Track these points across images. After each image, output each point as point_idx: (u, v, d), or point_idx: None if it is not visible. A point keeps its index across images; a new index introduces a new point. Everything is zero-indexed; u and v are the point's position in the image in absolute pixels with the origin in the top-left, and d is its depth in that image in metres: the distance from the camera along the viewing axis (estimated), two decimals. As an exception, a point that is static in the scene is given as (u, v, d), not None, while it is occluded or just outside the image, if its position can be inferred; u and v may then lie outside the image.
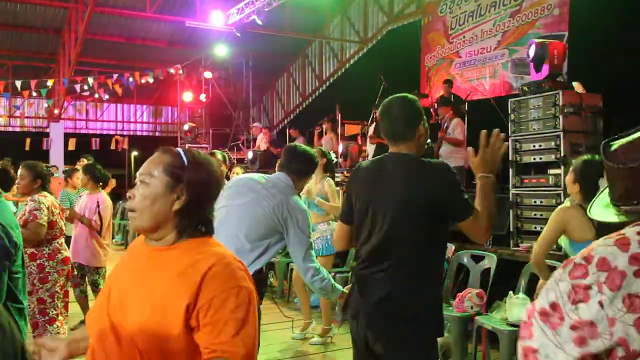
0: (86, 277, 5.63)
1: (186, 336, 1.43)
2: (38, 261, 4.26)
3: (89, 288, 5.74)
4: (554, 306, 1.11)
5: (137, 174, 1.59)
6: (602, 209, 1.28)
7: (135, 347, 1.43)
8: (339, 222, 2.63)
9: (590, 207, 1.33)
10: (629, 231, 1.13)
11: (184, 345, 1.43)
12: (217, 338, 1.39)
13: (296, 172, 3.17)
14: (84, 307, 5.73)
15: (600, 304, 1.06)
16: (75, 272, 5.52)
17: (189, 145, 13.43)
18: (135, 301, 1.49)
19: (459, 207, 2.28)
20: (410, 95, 2.46)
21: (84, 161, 8.60)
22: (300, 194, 5.43)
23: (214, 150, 6.63)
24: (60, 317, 4.33)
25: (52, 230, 4.29)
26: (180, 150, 1.60)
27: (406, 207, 2.26)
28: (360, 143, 10.57)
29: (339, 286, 3.11)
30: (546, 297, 1.13)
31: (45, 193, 4.32)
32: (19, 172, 4.32)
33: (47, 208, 4.21)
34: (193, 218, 1.56)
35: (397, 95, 2.45)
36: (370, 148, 9.20)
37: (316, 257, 5.06)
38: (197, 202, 1.55)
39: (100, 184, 5.72)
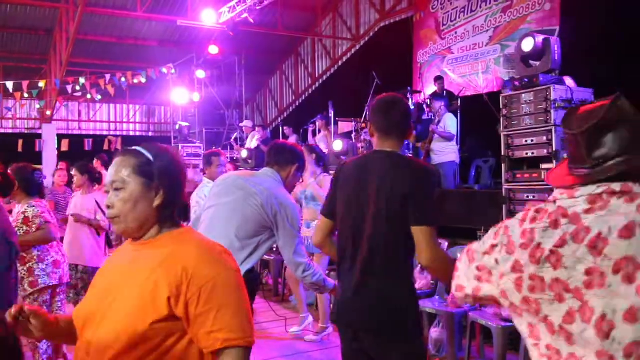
0: (84, 279, 5.56)
1: (165, 326, 1.44)
2: (28, 265, 4.07)
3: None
4: (475, 250, 1.44)
5: (109, 181, 1.59)
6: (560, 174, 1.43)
7: (111, 341, 1.45)
8: (320, 215, 2.64)
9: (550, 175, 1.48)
10: (547, 205, 1.36)
11: (160, 338, 1.44)
12: (215, 326, 1.42)
13: (277, 163, 3.21)
14: None
15: (497, 260, 1.37)
16: (69, 277, 5.49)
17: (182, 145, 13.39)
18: (119, 295, 1.51)
19: (418, 209, 2.25)
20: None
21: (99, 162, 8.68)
22: (295, 188, 5.50)
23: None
24: None
25: None
26: (139, 148, 1.62)
27: (385, 200, 2.30)
28: (354, 140, 10.57)
29: (330, 280, 3.13)
30: (477, 243, 1.45)
31: (40, 199, 4.23)
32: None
33: (48, 212, 4.17)
34: (172, 208, 1.61)
35: (390, 94, 2.53)
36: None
37: (313, 254, 5.12)
38: (172, 192, 1.60)
39: (95, 184, 5.69)
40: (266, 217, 2.98)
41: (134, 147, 1.63)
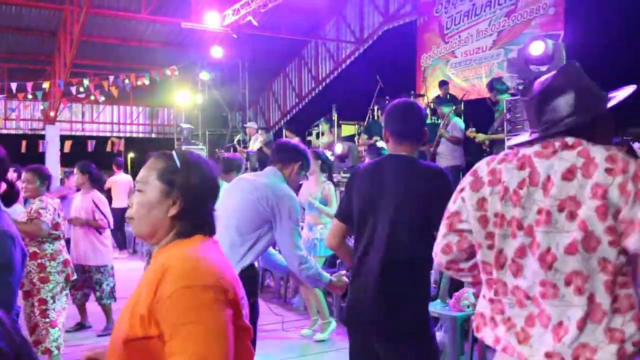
0: (91, 279, 5.58)
1: (140, 345, 1.37)
2: (39, 260, 4.28)
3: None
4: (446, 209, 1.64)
5: (136, 181, 1.59)
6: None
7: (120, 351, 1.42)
8: (334, 219, 2.63)
9: (512, 140, 1.67)
10: (500, 154, 1.52)
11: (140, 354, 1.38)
12: (170, 348, 1.30)
13: (280, 160, 3.25)
14: (82, 311, 5.72)
15: (463, 199, 1.53)
16: (76, 276, 5.51)
17: (186, 147, 13.36)
18: (128, 301, 1.50)
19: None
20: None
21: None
22: (299, 195, 5.51)
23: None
24: (61, 319, 4.29)
25: (57, 231, 4.36)
26: (172, 153, 1.56)
27: (407, 206, 2.31)
28: (357, 143, 10.57)
29: (326, 274, 3.12)
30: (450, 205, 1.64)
31: (51, 196, 4.43)
32: (22, 176, 4.46)
33: (54, 209, 4.31)
34: (191, 221, 1.53)
35: (407, 99, 2.58)
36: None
37: (314, 256, 5.12)
38: (193, 205, 1.52)
39: (95, 185, 5.71)
40: (262, 210, 3.01)
41: (167, 151, 1.59)
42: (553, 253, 1.33)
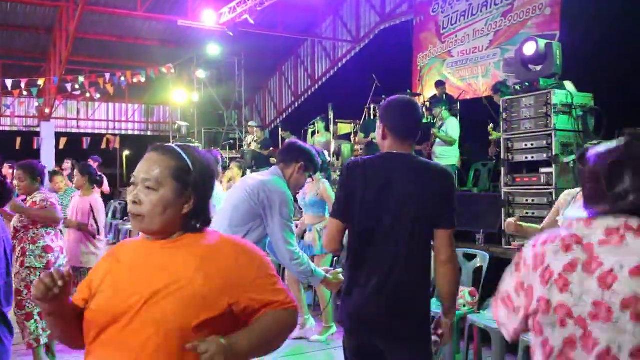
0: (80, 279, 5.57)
1: (217, 321, 1.49)
2: (22, 245, 4.19)
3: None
4: (505, 291, 1.44)
5: (139, 176, 1.54)
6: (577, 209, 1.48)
7: (155, 334, 1.43)
8: (331, 218, 2.49)
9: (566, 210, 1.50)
10: (562, 230, 1.38)
11: (208, 331, 1.46)
12: (277, 298, 1.57)
13: (283, 160, 3.30)
14: None
15: (521, 284, 1.38)
16: (64, 264, 5.51)
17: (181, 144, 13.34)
18: (157, 292, 1.47)
19: (445, 215, 2.35)
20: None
21: (68, 164, 8.55)
22: (299, 194, 5.50)
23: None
24: (36, 314, 4.08)
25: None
26: (180, 151, 1.57)
27: (413, 205, 2.31)
28: (353, 142, 10.57)
29: (320, 271, 3.11)
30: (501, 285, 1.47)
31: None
32: (14, 173, 4.43)
33: (56, 199, 4.40)
34: (199, 217, 1.59)
35: (405, 96, 2.58)
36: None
37: (312, 256, 5.11)
38: (203, 202, 1.60)
39: (94, 185, 5.69)
40: (254, 205, 3.07)
41: (172, 147, 1.59)
42: (614, 355, 1.20)
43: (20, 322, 4.07)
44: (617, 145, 1.34)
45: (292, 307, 1.62)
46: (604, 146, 1.37)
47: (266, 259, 1.63)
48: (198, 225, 1.61)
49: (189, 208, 1.56)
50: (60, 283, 1.42)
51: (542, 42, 5.17)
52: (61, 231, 4.57)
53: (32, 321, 4.01)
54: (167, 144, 1.60)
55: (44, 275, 1.43)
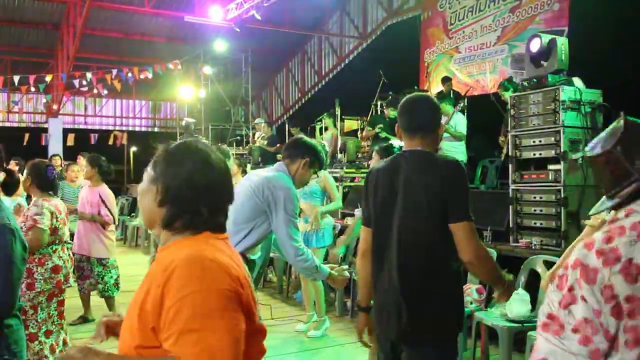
0: (92, 270, 5.57)
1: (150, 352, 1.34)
2: (27, 265, 3.70)
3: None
4: (551, 317, 1.19)
5: None
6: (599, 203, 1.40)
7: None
8: (363, 227, 2.52)
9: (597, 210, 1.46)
10: (596, 234, 1.24)
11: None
12: (175, 354, 1.25)
13: (288, 156, 3.30)
14: (86, 303, 5.72)
15: (583, 298, 1.15)
16: (85, 266, 5.53)
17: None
18: (131, 307, 1.46)
19: (456, 206, 2.22)
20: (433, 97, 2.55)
21: (81, 158, 8.60)
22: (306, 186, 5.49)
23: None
24: (44, 330, 3.82)
25: (52, 237, 3.95)
26: (169, 145, 1.53)
27: (419, 201, 2.27)
28: (360, 138, 10.56)
29: (325, 268, 3.11)
30: (543, 312, 1.22)
31: (51, 197, 4.05)
32: (24, 171, 4.14)
33: (51, 213, 3.92)
34: (176, 212, 1.44)
35: (421, 93, 2.54)
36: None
37: (310, 248, 5.10)
38: (175, 195, 1.43)
39: (102, 177, 5.70)
40: (258, 201, 3.08)
41: (171, 143, 1.57)
42: None
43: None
44: (614, 126, 1.35)
45: None
46: (604, 132, 1.37)
47: (199, 294, 1.28)
48: (196, 226, 1.46)
49: (159, 197, 1.44)
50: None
51: (546, 38, 5.14)
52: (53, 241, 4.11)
53: (37, 342, 3.79)
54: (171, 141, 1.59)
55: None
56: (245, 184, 3.24)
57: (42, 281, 3.85)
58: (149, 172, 1.50)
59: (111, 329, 1.60)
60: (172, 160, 1.46)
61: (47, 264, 3.91)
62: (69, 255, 4.21)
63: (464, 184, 2.29)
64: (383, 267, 2.37)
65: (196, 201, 1.44)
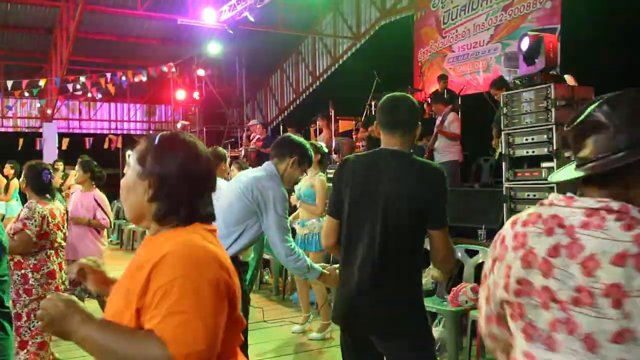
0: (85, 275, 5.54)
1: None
2: (23, 271, 3.81)
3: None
4: (483, 274, 1.43)
5: None
6: (565, 172, 1.39)
7: None
8: (327, 216, 2.56)
9: (554, 174, 1.46)
10: (522, 214, 1.36)
11: None
12: (158, 332, 1.26)
13: (277, 155, 3.28)
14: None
15: (493, 272, 1.36)
16: (67, 286, 5.47)
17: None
18: (114, 292, 1.50)
19: (438, 214, 2.33)
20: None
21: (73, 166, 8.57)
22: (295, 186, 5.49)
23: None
24: (38, 340, 3.75)
25: (42, 241, 3.86)
26: (155, 135, 1.50)
27: (400, 203, 2.29)
28: (354, 138, 10.57)
29: (317, 267, 3.10)
30: (485, 265, 1.43)
31: (48, 200, 3.98)
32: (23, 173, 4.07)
33: (43, 218, 3.82)
34: (170, 206, 1.43)
35: (395, 93, 2.54)
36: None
37: (308, 252, 5.10)
38: (169, 189, 1.43)
39: (94, 182, 5.66)
40: (248, 202, 3.07)
41: (151, 133, 1.55)
42: (595, 339, 1.20)
43: (14, 348, 3.72)
44: (588, 105, 1.32)
45: (170, 349, 1.24)
46: (582, 107, 1.35)
47: (185, 280, 1.30)
48: (187, 218, 1.46)
49: (151, 192, 1.43)
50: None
51: (535, 36, 5.16)
52: (44, 246, 4.03)
53: (25, 351, 3.72)
54: (152, 133, 1.56)
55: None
56: (234, 185, 3.23)
57: (38, 287, 3.80)
58: (134, 167, 1.47)
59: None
60: (163, 154, 1.44)
61: (43, 269, 3.86)
62: (63, 259, 4.15)
63: (445, 191, 2.37)
64: (352, 261, 2.38)
65: (189, 193, 1.45)
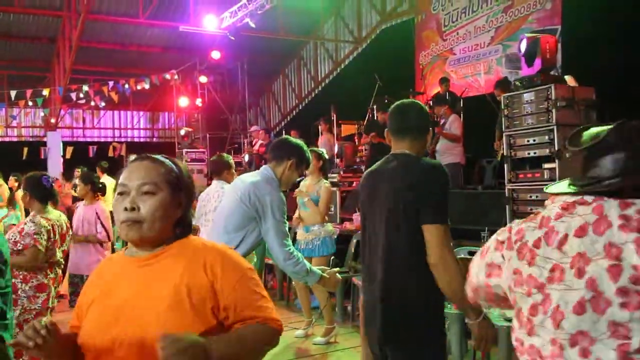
0: None
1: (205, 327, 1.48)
2: (13, 280, 3.63)
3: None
4: (487, 246, 1.51)
5: (132, 183, 1.53)
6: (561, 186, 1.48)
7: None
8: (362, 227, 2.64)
9: (549, 187, 1.53)
10: (545, 211, 1.43)
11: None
12: (258, 313, 1.55)
13: (274, 158, 3.25)
14: None
15: (503, 256, 1.44)
16: (78, 283, 5.47)
17: (186, 150, 13.32)
18: (141, 314, 1.46)
19: (430, 208, 2.21)
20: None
21: (78, 172, 8.60)
22: (296, 191, 5.50)
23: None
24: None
25: (47, 256, 3.83)
26: (166, 158, 1.64)
27: (395, 203, 2.28)
28: (356, 143, 10.58)
29: (316, 270, 3.09)
30: (488, 242, 1.53)
31: (49, 212, 3.94)
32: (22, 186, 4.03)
33: (47, 232, 3.82)
34: (185, 223, 1.64)
35: (412, 100, 2.64)
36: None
37: (311, 258, 5.11)
38: (188, 207, 1.66)
39: (99, 193, 5.66)
40: (246, 208, 3.05)
41: (159, 155, 1.63)
42: (561, 311, 1.27)
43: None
44: (602, 130, 1.37)
45: (274, 324, 1.59)
46: (593, 129, 1.41)
47: (251, 271, 1.61)
48: (182, 232, 1.63)
49: (180, 212, 1.60)
50: (39, 340, 1.38)
51: (533, 38, 5.17)
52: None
53: None
54: (150, 154, 1.63)
55: (20, 335, 1.40)
56: (231, 191, 3.22)
57: (25, 299, 3.73)
58: (167, 188, 1.56)
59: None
60: (188, 178, 1.66)
61: (32, 281, 3.78)
62: (57, 274, 4.06)
63: (440, 186, 2.28)
64: (368, 269, 2.42)
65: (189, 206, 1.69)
